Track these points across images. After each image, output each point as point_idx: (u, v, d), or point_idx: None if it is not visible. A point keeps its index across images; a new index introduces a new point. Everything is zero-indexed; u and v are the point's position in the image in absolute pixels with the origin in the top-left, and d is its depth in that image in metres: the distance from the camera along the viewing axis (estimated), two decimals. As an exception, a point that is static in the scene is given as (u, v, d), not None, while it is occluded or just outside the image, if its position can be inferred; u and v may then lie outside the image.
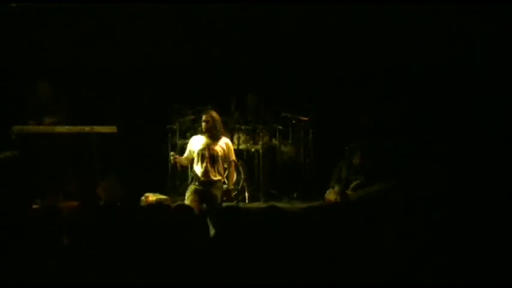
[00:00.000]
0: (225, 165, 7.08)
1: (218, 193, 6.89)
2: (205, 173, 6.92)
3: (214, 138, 6.98)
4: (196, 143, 7.03)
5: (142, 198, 7.66)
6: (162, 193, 7.73)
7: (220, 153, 6.97)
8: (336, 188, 7.14)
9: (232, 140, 8.27)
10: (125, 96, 8.91)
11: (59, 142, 7.93)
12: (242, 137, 8.23)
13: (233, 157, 7.10)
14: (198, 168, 6.95)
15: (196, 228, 3.68)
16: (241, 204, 7.59)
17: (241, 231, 3.55)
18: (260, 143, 8.26)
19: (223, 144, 7.03)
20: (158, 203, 7.20)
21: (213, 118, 6.97)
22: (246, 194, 7.95)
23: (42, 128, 7.80)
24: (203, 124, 6.99)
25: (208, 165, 6.92)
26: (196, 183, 6.94)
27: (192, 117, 8.28)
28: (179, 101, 8.28)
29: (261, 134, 8.29)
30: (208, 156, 6.93)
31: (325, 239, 3.54)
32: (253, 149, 8.28)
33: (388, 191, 6.80)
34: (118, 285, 3.17)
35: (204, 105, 8.30)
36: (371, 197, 6.82)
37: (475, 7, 7.82)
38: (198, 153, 6.96)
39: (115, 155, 8.12)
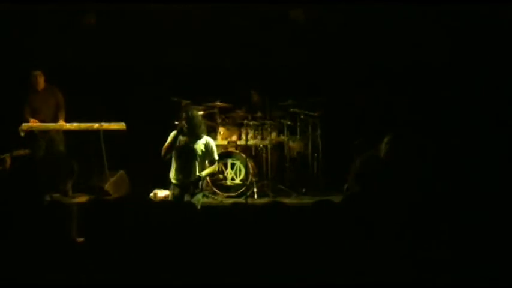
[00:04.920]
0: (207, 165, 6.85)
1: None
2: (180, 171, 6.73)
3: (193, 136, 6.70)
4: (175, 139, 6.67)
5: (151, 194, 7.71)
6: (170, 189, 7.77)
7: (199, 152, 6.72)
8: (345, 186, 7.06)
9: (240, 136, 8.30)
10: (134, 93, 8.94)
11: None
12: (250, 133, 8.24)
13: (215, 156, 6.82)
14: (174, 166, 6.75)
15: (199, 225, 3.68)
16: (249, 200, 7.61)
17: (242, 227, 3.56)
18: (268, 138, 8.28)
19: (203, 143, 6.74)
20: (167, 200, 7.24)
21: (189, 116, 6.69)
22: (255, 190, 7.96)
23: (51, 125, 7.84)
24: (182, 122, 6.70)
25: (184, 163, 6.71)
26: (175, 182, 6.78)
27: (201, 113, 8.30)
28: (188, 98, 8.28)
29: (269, 129, 8.31)
30: (185, 154, 6.71)
31: (328, 234, 3.54)
32: (261, 145, 8.29)
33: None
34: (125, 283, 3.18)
35: (212, 102, 8.35)
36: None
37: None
38: (175, 151, 6.70)
39: (124, 151, 8.16)
